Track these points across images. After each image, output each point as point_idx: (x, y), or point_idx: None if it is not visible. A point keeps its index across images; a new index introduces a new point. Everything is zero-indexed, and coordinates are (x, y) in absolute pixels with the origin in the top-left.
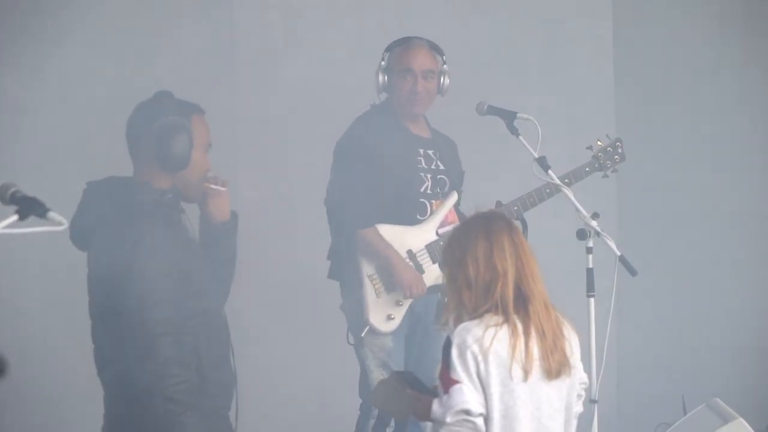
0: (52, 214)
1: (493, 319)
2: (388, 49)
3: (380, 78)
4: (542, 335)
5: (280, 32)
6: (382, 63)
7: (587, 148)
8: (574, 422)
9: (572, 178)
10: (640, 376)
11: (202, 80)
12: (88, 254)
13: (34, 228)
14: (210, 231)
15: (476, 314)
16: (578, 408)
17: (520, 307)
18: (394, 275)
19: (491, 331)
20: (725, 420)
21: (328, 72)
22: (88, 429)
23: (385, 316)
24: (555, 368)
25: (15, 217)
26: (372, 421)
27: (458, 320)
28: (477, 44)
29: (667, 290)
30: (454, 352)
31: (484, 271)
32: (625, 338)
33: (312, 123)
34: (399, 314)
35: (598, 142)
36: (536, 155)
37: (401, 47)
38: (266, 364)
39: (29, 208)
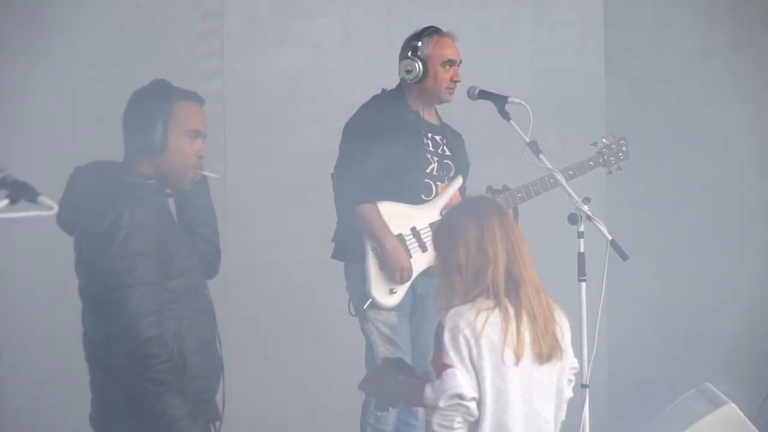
0: (42, 199)
1: (484, 303)
2: (417, 38)
3: (418, 67)
4: (533, 319)
5: (270, 18)
6: (418, 52)
7: (591, 144)
8: (564, 407)
9: (576, 171)
10: (631, 360)
11: (192, 68)
12: (75, 238)
13: (24, 213)
14: (183, 196)
15: (467, 299)
16: (569, 393)
17: (511, 291)
18: (383, 257)
19: (483, 315)
20: (716, 405)
21: (318, 58)
22: (79, 415)
23: (387, 290)
24: (546, 352)
25: (5, 202)
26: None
27: (449, 304)
28: (467, 29)
29: (658, 275)
30: (446, 337)
31: (475, 256)
32: (617, 323)
33: (302, 110)
34: (401, 290)
35: (603, 140)
36: (528, 140)
37: (438, 36)
38: (257, 348)
39: (19, 192)
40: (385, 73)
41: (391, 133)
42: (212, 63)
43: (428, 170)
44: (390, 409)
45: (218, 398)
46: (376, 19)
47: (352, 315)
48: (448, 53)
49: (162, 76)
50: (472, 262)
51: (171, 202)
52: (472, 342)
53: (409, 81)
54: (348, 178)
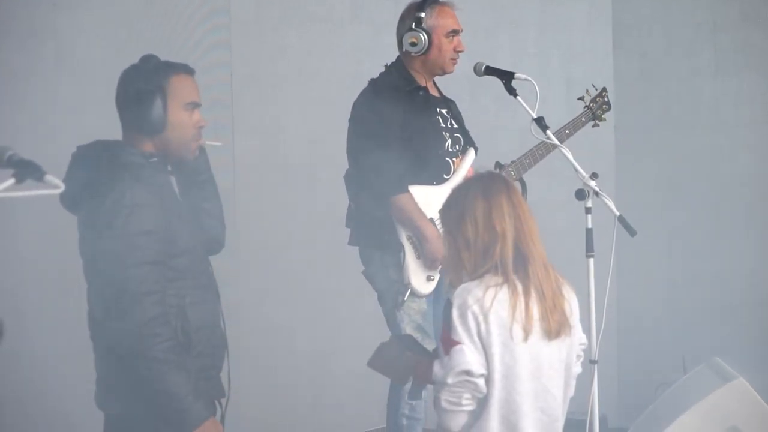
0: (48, 177)
1: (492, 279)
2: (420, 8)
3: (423, 39)
4: (542, 295)
5: None
6: (421, 24)
7: (579, 98)
8: (572, 383)
9: (571, 129)
10: (640, 336)
11: (199, 44)
12: (78, 217)
13: (31, 191)
14: (186, 173)
15: (476, 275)
16: (577, 369)
17: (519, 267)
18: (424, 247)
19: (491, 291)
20: (725, 379)
21: (326, 35)
22: (85, 395)
23: (425, 277)
24: (555, 328)
25: (12, 181)
26: (408, 385)
27: (458, 281)
28: (474, 4)
29: (666, 250)
30: (455, 313)
31: (483, 232)
32: (625, 299)
33: (310, 88)
34: (437, 275)
35: (587, 92)
36: (534, 115)
37: (439, 6)
38: (264, 327)
39: (26, 171)
40: (394, 49)
41: (405, 114)
42: (220, 40)
43: (445, 147)
44: (422, 396)
45: (224, 376)
46: None
47: (385, 306)
48: (451, 23)
49: (169, 54)
50: (481, 238)
51: (173, 180)
52: (481, 318)
53: (413, 53)
54: (371, 165)
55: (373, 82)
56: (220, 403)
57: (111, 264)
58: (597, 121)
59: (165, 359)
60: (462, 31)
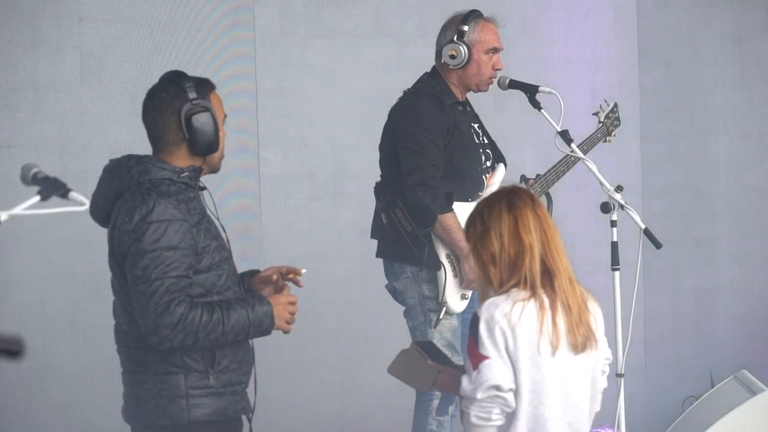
0: (73, 194)
1: (520, 294)
2: (464, 21)
3: (462, 51)
4: (568, 309)
5: (302, 9)
6: (464, 37)
7: (593, 113)
8: (599, 397)
9: (588, 145)
10: (667, 349)
11: (224, 59)
12: (108, 230)
13: (56, 209)
14: None
15: (503, 290)
16: (603, 383)
17: (545, 281)
18: (463, 266)
19: (519, 306)
20: (753, 392)
21: (350, 49)
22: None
23: (459, 296)
24: (581, 342)
25: (37, 198)
26: (435, 402)
27: (485, 296)
28: (500, 17)
29: (693, 262)
30: (482, 328)
31: (509, 246)
32: (651, 312)
33: (334, 101)
34: (470, 293)
35: (601, 108)
36: (558, 129)
37: (483, 21)
38: (288, 340)
39: (51, 188)
40: (418, 63)
41: (450, 129)
42: (245, 54)
43: (482, 164)
44: (449, 412)
45: (249, 390)
46: (409, 9)
47: (413, 320)
48: (493, 40)
49: (194, 68)
50: (507, 252)
51: (206, 194)
52: (508, 333)
53: (451, 66)
54: (418, 181)
55: (414, 93)
56: (249, 418)
57: (138, 278)
58: (608, 138)
59: (212, 328)
60: (502, 49)
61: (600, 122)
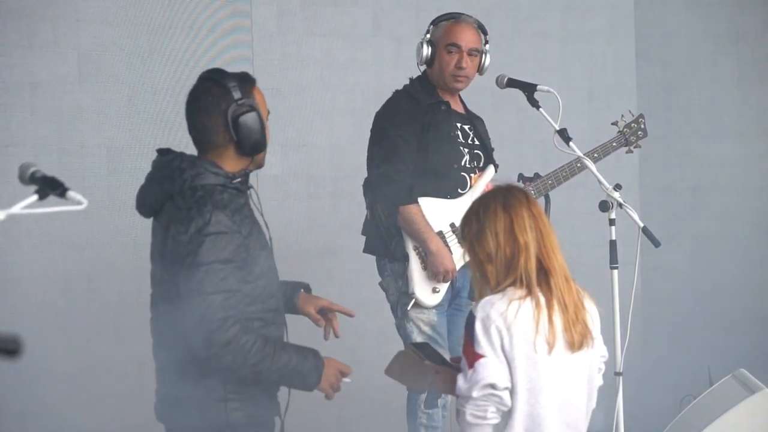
0: (71, 193)
1: (516, 292)
2: (434, 22)
3: (425, 50)
4: (564, 308)
5: (300, 8)
6: (428, 36)
7: (612, 123)
8: (595, 395)
9: (600, 153)
10: (665, 348)
11: (221, 57)
12: (153, 225)
13: (53, 208)
14: None
15: (499, 288)
16: (599, 381)
17: (541, 280)
18: (429, 260)
19: (515, 304)
20: (751, 391)
21: (348, 48)
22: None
23: (430, 289)
24: (578, 340)
25: (35, 197)
26: (423, 395)
27: (481, 294)
28: (497, 16)
29: (691, 261)
30: (478, 326)
31: (504, 245)
32: (649, 310)
33: (332, 100)
34: (443, 287)
35: (622, 118)
36: (557, 127)
37: (449, 22)
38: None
39: (48, 187)
40: (414, 62)
41: (422, 127)
42: (242, 53)
43: (462, 163)
44: (438, 404)
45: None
46: (406, 7)
47: (397, 317)
48: (453, 37)
49: (191, 67)
50: (502, 251)
51: (253, 193)
52: (504, 332)
53: (418, 65)
54: (382, 174)
55: (396, 93)
56: (281, 419)
57: (190, 289)
58: (631, 147)
59: (260, 359)
60: (467, 47)
61: (619, 131)
